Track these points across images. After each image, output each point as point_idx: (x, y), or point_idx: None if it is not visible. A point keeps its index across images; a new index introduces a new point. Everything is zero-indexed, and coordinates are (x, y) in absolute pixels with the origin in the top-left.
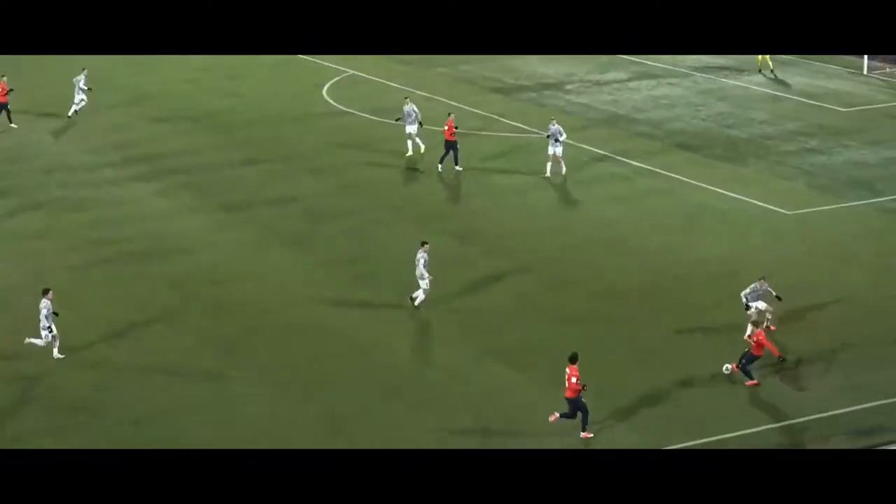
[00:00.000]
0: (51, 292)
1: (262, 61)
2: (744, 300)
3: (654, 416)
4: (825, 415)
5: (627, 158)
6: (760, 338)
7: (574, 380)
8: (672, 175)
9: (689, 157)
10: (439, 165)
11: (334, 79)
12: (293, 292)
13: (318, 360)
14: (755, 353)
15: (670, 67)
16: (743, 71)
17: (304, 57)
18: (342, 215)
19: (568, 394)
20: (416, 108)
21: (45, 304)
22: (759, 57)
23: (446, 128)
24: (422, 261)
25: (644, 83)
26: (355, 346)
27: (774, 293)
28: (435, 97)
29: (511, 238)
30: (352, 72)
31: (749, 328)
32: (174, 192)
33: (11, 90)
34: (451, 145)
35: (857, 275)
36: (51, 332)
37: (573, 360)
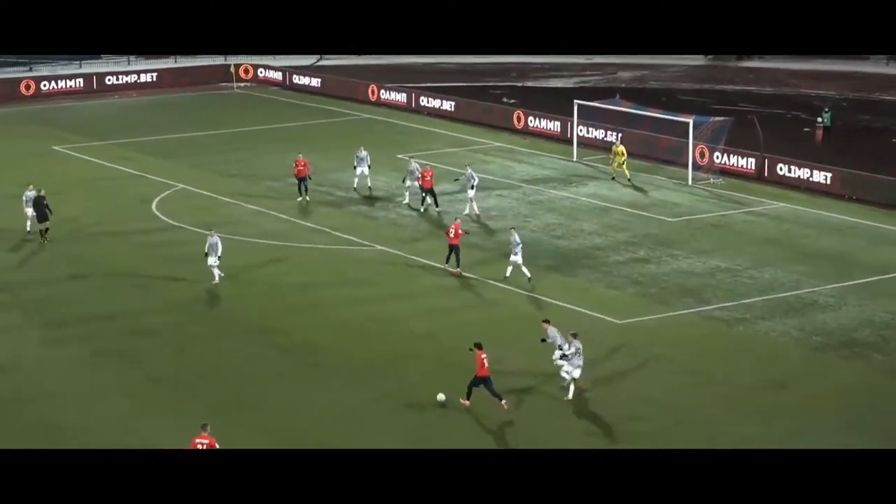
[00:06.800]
0: (213, 229)
1: (84, 177)
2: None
3: None
4: None
5: None
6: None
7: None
8: (500, 286)
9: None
10: (424, 208)
11: (163, 193)
12: (116, 409)
13: None
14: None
15: (500, 179)
16: (571, 182)
17: (130, 171)
18: (167, 330)
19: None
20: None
21: (213, 240)
22: (614, 165)
23: (428, 178)
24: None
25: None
26: None
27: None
28: (266, 211)
29: (345, 349)
30: (181, 186)
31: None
32: None
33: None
34: (429, 191)
35: (686, 383)
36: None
37: (479, 346)
